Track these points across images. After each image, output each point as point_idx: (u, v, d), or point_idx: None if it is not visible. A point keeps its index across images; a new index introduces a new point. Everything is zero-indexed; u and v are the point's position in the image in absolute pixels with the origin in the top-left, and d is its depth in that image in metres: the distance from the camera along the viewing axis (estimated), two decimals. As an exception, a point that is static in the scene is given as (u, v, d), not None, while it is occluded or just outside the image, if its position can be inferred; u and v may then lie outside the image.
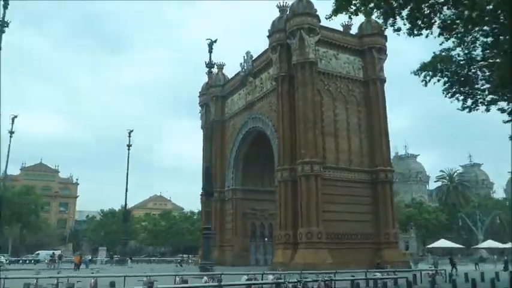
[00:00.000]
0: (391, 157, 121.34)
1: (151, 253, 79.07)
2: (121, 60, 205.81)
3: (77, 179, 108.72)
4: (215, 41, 35.57)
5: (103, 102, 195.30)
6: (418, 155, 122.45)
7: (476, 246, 66.62)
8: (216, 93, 59.34)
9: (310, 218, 38.90)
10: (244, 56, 53.94)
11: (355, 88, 45.96)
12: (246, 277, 21.26)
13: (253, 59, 52.44)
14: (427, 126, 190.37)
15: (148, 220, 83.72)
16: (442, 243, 64.03)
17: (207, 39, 35.49)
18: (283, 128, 43.07)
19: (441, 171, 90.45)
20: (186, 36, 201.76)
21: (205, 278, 21.23)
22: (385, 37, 46.85)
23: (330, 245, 39.45)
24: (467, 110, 17.13)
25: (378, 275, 26.76)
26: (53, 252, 52.73)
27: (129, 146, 58.30)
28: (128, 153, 57.91)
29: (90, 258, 47.79)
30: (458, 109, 17.46)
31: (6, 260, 55.28)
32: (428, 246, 69.24)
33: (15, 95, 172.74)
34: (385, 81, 46.43)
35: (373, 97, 45.65)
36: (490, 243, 63.95)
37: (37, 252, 69.65)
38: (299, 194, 40.01)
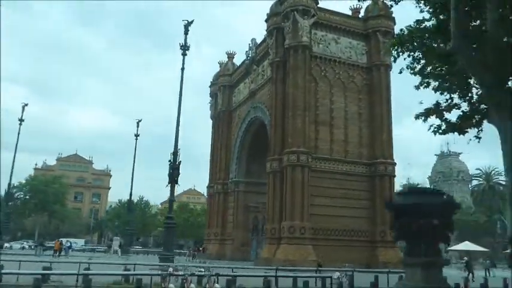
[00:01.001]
0: (438, 155, 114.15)
1: (191, 247, 78.92)
2: (171, 58, 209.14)
3: (110, 171, 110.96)
4: (191, 22, 33.84)
5: (154, 99, 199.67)
6: (461, 153, 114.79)
7: (506, 251, 60.89)
8: (224, 82, 57.79)
9: (294, 211, 36.44)
10: (249, 43, 51.97)
11: (356, 74, 42.73)
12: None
13: (256, 45, 50.37)
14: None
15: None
16: (465, 245, 58.85)
17: (183, 20, 33.84)
18: (276, 116, 40.78)
19: (478, 169, 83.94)
20: (233, 34, 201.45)
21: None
22: (393, 19, 43.24)
23: (316, 241, 36.81)
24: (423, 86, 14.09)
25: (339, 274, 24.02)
26: (41, 240, 53.43)
27: (136, 135, 57.83)
28: (136, 143, 57.42)
29: (69, 245, 47.57)
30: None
31: (29, 246, 56.42)
32: (450, 248, 64.05)
33: (74, 90, 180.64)
34: (390, 67, 42.80)
35: (376, 84, 42.24)
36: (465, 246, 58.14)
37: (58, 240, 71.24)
38: (284, 185, 37.66)
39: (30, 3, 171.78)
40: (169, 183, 31.47)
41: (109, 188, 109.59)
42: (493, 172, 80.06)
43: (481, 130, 11.90)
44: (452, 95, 12.17)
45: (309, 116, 38.68)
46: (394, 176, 41.22)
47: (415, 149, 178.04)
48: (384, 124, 41.47)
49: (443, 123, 12.36)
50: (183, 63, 33.40)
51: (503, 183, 79.40)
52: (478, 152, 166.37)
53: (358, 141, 41.40)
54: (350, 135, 41.12)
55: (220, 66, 61.35)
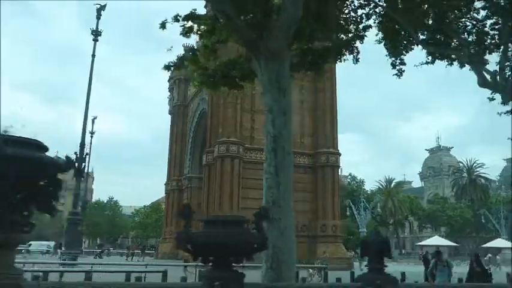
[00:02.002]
0: (428, 150, 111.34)
1: (130, 246, 76.98)
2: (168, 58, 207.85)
3: (91, 172, 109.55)
4: (104, 7, 31.82)
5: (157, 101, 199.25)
6: (452, 147, 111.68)
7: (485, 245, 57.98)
8: (179, 76, 55.65)
9: (222, 205, 34.21)
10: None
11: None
12: None
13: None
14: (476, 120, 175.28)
15: (139, 213, 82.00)
16: (436, 240, 56.20)
17: (95, 4, 31.83)
18: (212, 106, 38.64)
19: (460, 162, 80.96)
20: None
21: None
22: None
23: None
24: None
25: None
26: None
27: (92, 133, 55.86)
28: (91, 142, 55.42)
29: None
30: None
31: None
32: (418, 243, 61.33)
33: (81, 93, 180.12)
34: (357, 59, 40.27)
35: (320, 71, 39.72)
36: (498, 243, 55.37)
37: (29, 243, 69.81)
38: (214, 178, 35.48)
39: (33, 3, 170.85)
40: (74, 175, 29.51)
41: (90, 190, 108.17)
42: (474, 165, 77.19)
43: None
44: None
45: (241, 105, 36.41)
46: (338, 166, 38.76)
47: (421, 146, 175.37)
48: (328, 112, 39.07)
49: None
50: (94, 50, 31.48)
51: (487, 176, 76.63)
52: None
53: (301, 131, 38.95)
54: (291, 124, 38.63)
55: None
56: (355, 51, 13.53)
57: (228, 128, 35.46)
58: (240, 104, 36.25)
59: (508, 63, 14.81)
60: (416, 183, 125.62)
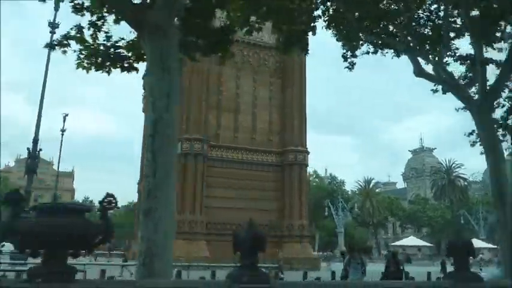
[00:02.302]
0: (411, 151, 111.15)
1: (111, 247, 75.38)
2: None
3: (71, 171, 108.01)
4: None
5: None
6: (435, 148, 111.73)
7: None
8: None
9: (184, 204, 33.27)
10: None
11: (268, 57, 39.55)
12: None
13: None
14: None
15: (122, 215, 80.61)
16: (411, 241, 55.82)
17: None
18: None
19: (439, 163, 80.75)
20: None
21: None
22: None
23: (212, 236, 33.58)
24: None
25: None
26: None
27: (63, 131, 54.63)
28: (62, 139, 54.21)
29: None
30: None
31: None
32: (392, 244, 60.92)
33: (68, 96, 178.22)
34: (307, 50, 39.60)
35: (290, 67, 39.08)
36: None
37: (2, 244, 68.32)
38: (177, 176, 34.51)
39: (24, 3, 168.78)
40: (25, 173, 28.42)
41: (71, 190, 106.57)
42: (453, 166, 77.01)
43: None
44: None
45: (206, 101, 35.55)
46: (306, 165, 38.02)
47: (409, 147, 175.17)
48: (296, 109, 38.32)
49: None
50: (51, 42, 30.29)
51: (465, 177, 76.47)
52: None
53: (268, 128, 38.23)
54: (259, 121, 37.94)
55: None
56: (304, 42, 13.25)
57: (192, 125, 34.55)
58: (205, 101, 35.37)
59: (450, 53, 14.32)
60: (401, 184, 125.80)
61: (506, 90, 15.16)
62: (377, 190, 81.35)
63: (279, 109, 38.63)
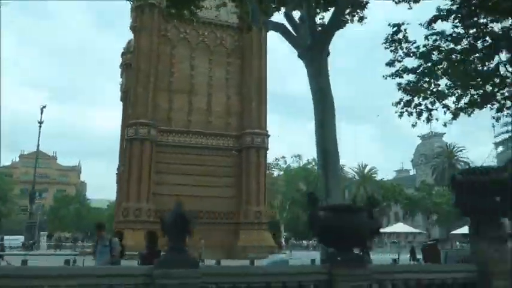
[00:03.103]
0: (420, 136, 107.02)
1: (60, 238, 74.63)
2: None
3: (76, 166, 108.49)
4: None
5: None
6: (444, 133, 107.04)
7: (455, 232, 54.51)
8: (127, 60, 53.10)
9: (129, 191, 31.84)
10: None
11: (226, 36, 37.53)
12: None
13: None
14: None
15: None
16: (399, 227, 53.03)
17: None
18: (127, 85, 36.21)
19: (439, 147, 77.05)
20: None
21: None
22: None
23: (159, 224, 31.97)
24: None
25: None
26: None
27: (40, 123, 54.04)
28: (39, 131, 53.67)
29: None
30: None
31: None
32: (385, 230, 57.95)
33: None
34: (268, 26, 37.44)
35: (249, 46, 36.96)
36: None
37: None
38: (126, 163, 33.12)
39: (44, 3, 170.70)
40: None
41: (75, 184, 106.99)
42: (454, 149, 73.30)
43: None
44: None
45: (155, 83, 33.85)
46: (266, 148, 35.93)
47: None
48: (256, 91, 36.24)
49: None
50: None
51: (466, 160, 72.73)
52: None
53: (226, 111, 36.30)
54: (215, 104, 36.03)
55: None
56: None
57: (139, 109, 32.96)
58: (153, 83, 33.68)
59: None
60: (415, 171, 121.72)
61: None
62: (374, 176, 78.12)
63: (238, 90, 36.66)
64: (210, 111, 35.83)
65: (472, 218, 7.41)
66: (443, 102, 19.10)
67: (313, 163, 76.92)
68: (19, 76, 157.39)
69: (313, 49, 10.08)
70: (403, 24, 17.80)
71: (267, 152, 36.22)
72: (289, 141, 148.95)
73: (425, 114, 19.36)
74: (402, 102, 19.48)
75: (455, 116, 18.97)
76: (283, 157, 78.48)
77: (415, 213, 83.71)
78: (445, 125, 19.46)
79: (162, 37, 35.27)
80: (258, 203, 34.39)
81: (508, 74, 17.27)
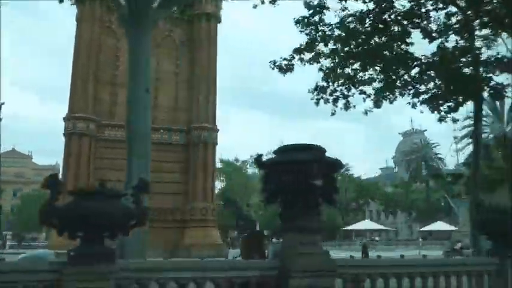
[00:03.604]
0: (401, 133, 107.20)
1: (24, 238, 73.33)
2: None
3: (55, 165, 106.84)
4: None
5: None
6: (425, 130, 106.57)
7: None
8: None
9: (67, 187, 30.52)
10: None
11: (174, 27, 36.30)
12: None
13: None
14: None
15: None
16: (365, 224, 52.26)
17: None
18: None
19: (414, 144, 76.43)
20: None
21: None
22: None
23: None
24: None
25: None
26: None
27: (-1, 119, 52.58)
28: (-1, 128, 52.20)
29: None
30: None
31: None
32: (343, 228, 57.27)
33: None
34: (218, 18, 36.43)
35: (199, 39, 35.80)
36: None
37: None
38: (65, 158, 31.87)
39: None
40: None
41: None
42: (429, 145, 72.71)
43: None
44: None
45: (96, 76, 32.65)
46: (214, 143, 34.81)
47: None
48: (205, 84, 35.11)
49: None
50: None
51: (441, 156, 72.13)
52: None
53: (174, 105, 35.14)
54: (162, 98, 34.77)
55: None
56: None
57: (76, 102, 31.70)
58: (94, 76, 32.45)
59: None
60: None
61: None
62: (351, 173, 77.34)
63: (187, 84, 35.49)
64: (157, 105, 34.51)
65: (281, 205, 6.54)
66: (360, 88, 18.06)
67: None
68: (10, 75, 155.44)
69: (133, 16, 8.95)
70: (320, 7, 16.81)
71: (216, 147, 35.13)
72: (271, 138, 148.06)
73: (343, 101, 18.36)
74: (318, 89, 18.43)
75: (376, 103, 17.94)
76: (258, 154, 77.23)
77: (393, 210, 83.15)
78: (365, 113, 18.47)
79: (106, 29, 34.05)
80: (205, 199, 33.27)
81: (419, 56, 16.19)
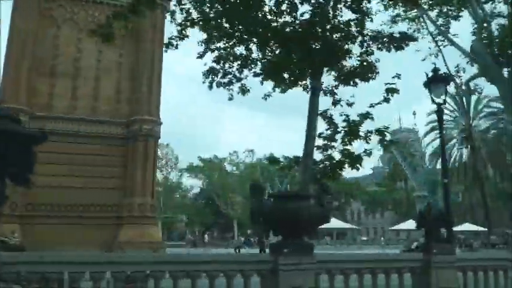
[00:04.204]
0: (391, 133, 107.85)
1: None
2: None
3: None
4: None
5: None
6: (413, 128, 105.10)
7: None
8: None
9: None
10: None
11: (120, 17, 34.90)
12: None
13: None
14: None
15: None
16: (332, 223, 50.91)
17: None
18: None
19: (390, 140, 74.72)
20: None
21: None
22: None
23: (33, 218, 29.61)
24: None
25: None
26: None
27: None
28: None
29: None
30: None
31: None
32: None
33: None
34: (166, 7, 35.01)
35: (144, 27, 34.39)
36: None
37: None
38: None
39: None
40: None
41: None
42: (406, 144, 71.17)
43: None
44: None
45: (32, 66, 31.37)
46: (156, 137, 33.46)
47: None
48: (148, 74, 33.78)
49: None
50: None
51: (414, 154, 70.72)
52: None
53: (116, 97, 33.79)
54: (104, 89, 33.48)
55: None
56: None
57: (8, 93, 30.44)
58: (29, 66, 31.19)
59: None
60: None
61: None
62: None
63: (131, 75, 34.15)
64: (97, 96, 33.34)
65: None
66: (254, 70, 16.62)
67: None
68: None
69: None
70: None
71: (158, 140, 33.79)
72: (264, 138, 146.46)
73: (238, 85, 16.95)
74: (210, 70, 17.08)
75: (277, 88, 16.49)
76: (235, 152, 76.55)
77: (375, 209, 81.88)
78: (265, 98, 16.98)
79: (45, 17, 32.78)
80: (144, 195, 31.92)
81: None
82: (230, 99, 17.33)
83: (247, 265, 5.85)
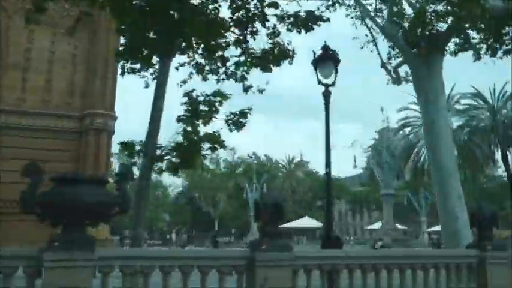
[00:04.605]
0: (377, 132, 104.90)
1: None
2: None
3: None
4: None
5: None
6: (400, 127, 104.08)
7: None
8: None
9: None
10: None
11: (74, 6, 33.70)
12: None
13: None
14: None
15: None
16: (304, 221, 49.95)
17: None
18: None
19: (373, 138, 73.92)
20: None
21: None
22: None
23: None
24: None
25: None
26: None
27: None
28: None
29: None
30: None
31: None
32: (283, 226, 54.86)
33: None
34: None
35: (99, 19, 33.24)
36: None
37: None
38: None
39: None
40: None
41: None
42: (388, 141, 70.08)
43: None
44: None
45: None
46: (110, 131, 32.32)
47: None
48: (102, 67, 32.66)
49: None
50: None
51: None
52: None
53: (69, 90, 32.59)
54: (56, 82, 32.29)
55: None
56: None
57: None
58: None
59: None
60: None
61: None
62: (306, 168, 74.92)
63: (85, 66, 33.04)
64: (49, 89, 32.16)
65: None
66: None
67: (253, 157, 73.81)
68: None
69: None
70: None
71: (112, 135, 32.63)
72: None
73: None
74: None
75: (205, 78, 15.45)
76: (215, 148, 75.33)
77: (356, 208, 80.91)
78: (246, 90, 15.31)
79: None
80: (95, 192, 30.78)
81: None
82: (146, 87, 16.39)
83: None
